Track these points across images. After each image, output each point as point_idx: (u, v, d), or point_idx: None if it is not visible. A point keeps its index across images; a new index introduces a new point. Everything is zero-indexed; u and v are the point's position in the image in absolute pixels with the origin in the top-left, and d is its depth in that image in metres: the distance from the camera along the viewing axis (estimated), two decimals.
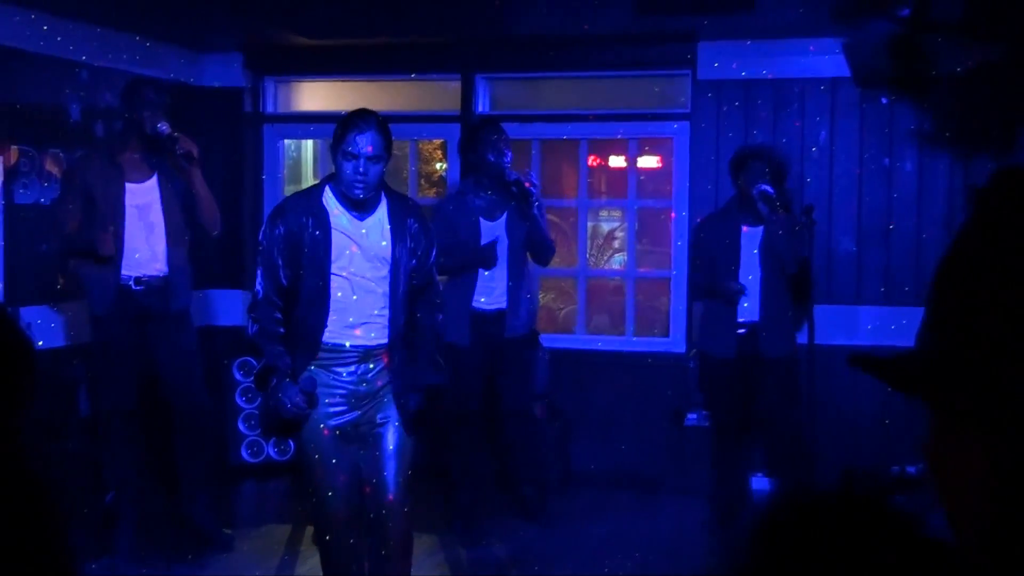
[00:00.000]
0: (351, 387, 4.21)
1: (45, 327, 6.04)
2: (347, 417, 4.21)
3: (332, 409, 4.19)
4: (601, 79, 7.39)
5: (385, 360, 4.24)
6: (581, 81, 7.47)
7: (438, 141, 8.61)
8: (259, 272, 4.23)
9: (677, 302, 7.20)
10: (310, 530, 5.95)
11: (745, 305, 5.83)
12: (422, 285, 4.34)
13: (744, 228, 5.85)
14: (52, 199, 6.15)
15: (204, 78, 7.48)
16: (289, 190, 7.87)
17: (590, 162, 7.81)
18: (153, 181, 5.56)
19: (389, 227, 4.23)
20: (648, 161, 8.02)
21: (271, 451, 7.15)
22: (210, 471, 5.96)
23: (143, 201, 5.54)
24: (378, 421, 4.25)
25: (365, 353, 4.21)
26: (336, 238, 4.17)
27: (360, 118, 4.17)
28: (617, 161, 8.41)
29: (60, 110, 6.30)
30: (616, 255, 8.97)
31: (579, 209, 7.61)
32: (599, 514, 6.35)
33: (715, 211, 6.29)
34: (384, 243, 4.22)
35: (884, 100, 6.65)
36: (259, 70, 7.62)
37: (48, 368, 5.99)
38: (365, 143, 4.10)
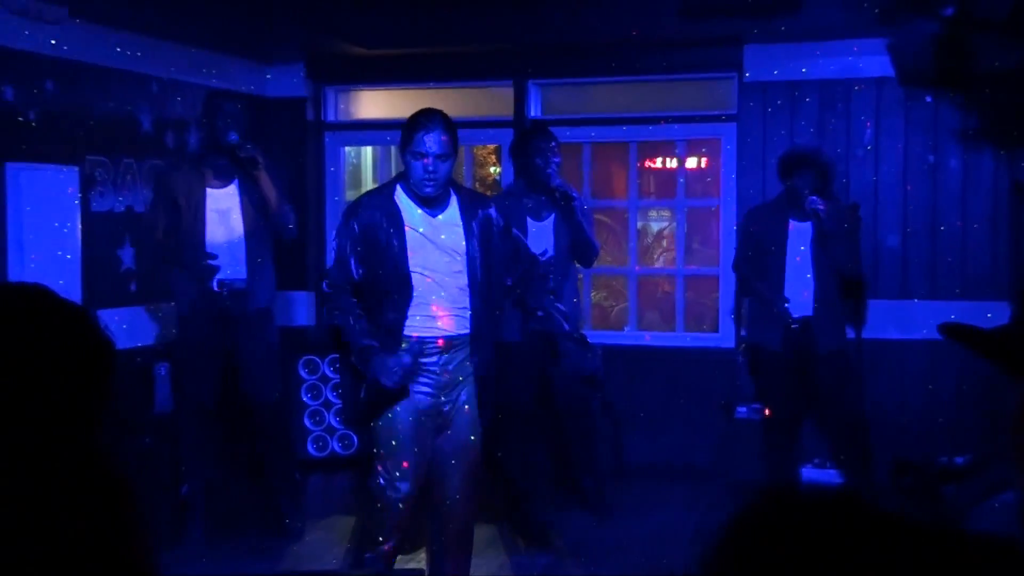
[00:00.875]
0: (431, 377, 4.22)
1: (118, 328, 6.11)
2: (425, 406, 4.22)
3: (415, 397, 4.21)
4: (649, 83, 7.36)
5: (466, 350, 4.24)
6: (630, 85, 7.44)
7: (492, 146, 8.61)
8: (331, 266, 4.25)
9: (726, 298, 7.15)
10: None
11: (793, 299, 5.78)
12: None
13: (792, 223, 5.81)
14: (126, 206, 6.25)
15: (268, 89, 7.54)
16: (350, 195, 7.93)
17: (639, 163, 7.77)
18: (233, 187, 5.65)
19: (461, 222, 4.22)
20: (696, 161, 7.96)
21: (335, 446, 7.20)
22: (293, 464, 6.06)
23: (224, 206, 5.63)
24: (454, 410, 4.27)
25: (446, 344, 4.21)
26: (410, 235, 4.17)
27: (426, 118, 4.16)
28: (666, 162, 8.35)
29: (132, 121, 6.39)
30: (666, 253, 8.91)
31: (629, 209, 7.58)
32: (653, 505, 6.32)
33: (764, 203, 6.24)
34: (458, 237, 4.21)
35: (928, 98, 6.56)
36: (320, 80, 7.67)
37: (123, 367, 6.07)
38: (433, 142, 4.09)
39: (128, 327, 6.22)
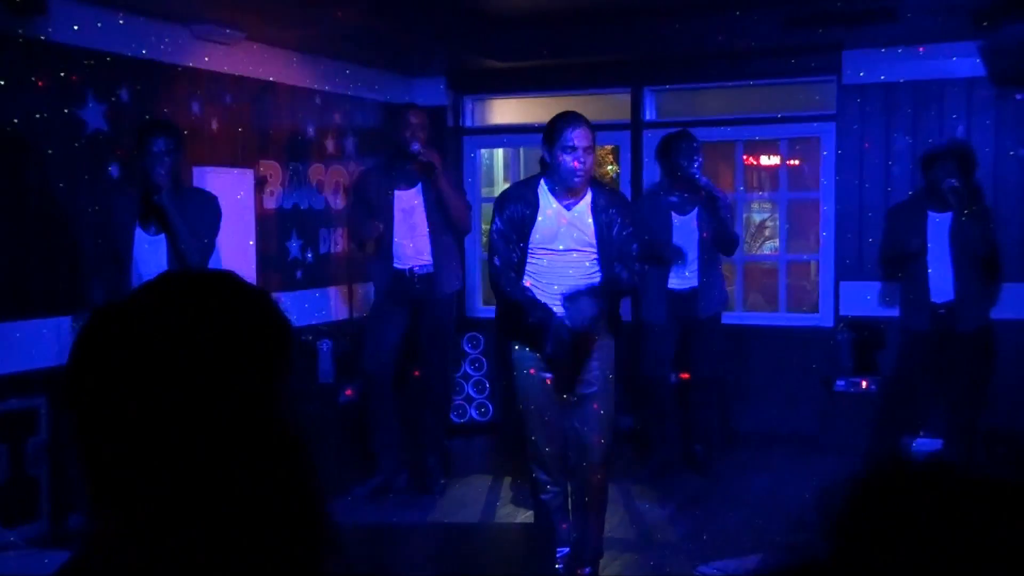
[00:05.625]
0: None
1: (286, 310, 6.20)
2: (550, 388, 4.17)
3: (545, 375, 4.15)
4: (754, 86, 7.16)
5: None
6: (736, 89, 7.26)
7: (610, 146, 8.51)
8: (495, 248, 4.15)
9: (825, 282, 6.92)
10: (508, 479, 6.00)
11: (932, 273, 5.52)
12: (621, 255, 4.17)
13: (931, 215, 5.51)
14: (293, 203, 6.35)
15: (414, 98, 7.56)
16: (485, 191, 7.92)
17: (745, 160, 7.58)
18: (417, 189, 5.68)
19: (592, 213, 4.12)
20: (797, 158, 7.72)
21: (473, 413, 7.22)
22: (444, 431, 6.14)
23: (408, 205, 5.68)
24: (585, 386, 4.18)
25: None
26: (547, 222, 4.11)
27: (572, 117, 4.09)
28: (769, 159, 8.13)
29: (298, 129, 6.48)
30: (767, 242, 8.70)
31: (736, 202, 7.39)
32: (757, 469, 6.18)
33: (905, 200, 5.93)
34: (588, 227, 4.11)
35: (1019, 96, 6.22)
36: (459, 90, 7.68)
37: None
38: (581, 137, 4.02)
39: (295, 309, 6.32)
